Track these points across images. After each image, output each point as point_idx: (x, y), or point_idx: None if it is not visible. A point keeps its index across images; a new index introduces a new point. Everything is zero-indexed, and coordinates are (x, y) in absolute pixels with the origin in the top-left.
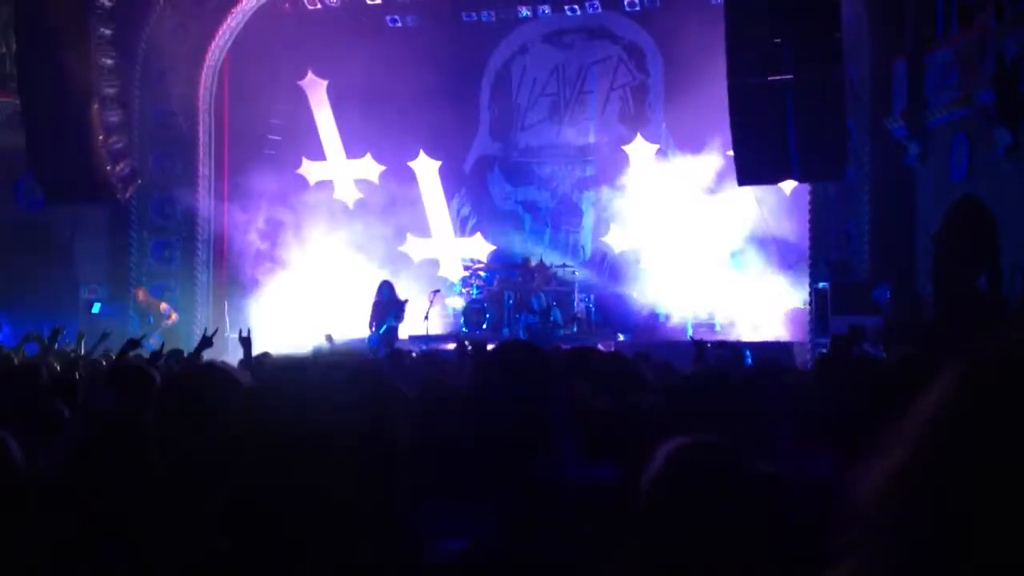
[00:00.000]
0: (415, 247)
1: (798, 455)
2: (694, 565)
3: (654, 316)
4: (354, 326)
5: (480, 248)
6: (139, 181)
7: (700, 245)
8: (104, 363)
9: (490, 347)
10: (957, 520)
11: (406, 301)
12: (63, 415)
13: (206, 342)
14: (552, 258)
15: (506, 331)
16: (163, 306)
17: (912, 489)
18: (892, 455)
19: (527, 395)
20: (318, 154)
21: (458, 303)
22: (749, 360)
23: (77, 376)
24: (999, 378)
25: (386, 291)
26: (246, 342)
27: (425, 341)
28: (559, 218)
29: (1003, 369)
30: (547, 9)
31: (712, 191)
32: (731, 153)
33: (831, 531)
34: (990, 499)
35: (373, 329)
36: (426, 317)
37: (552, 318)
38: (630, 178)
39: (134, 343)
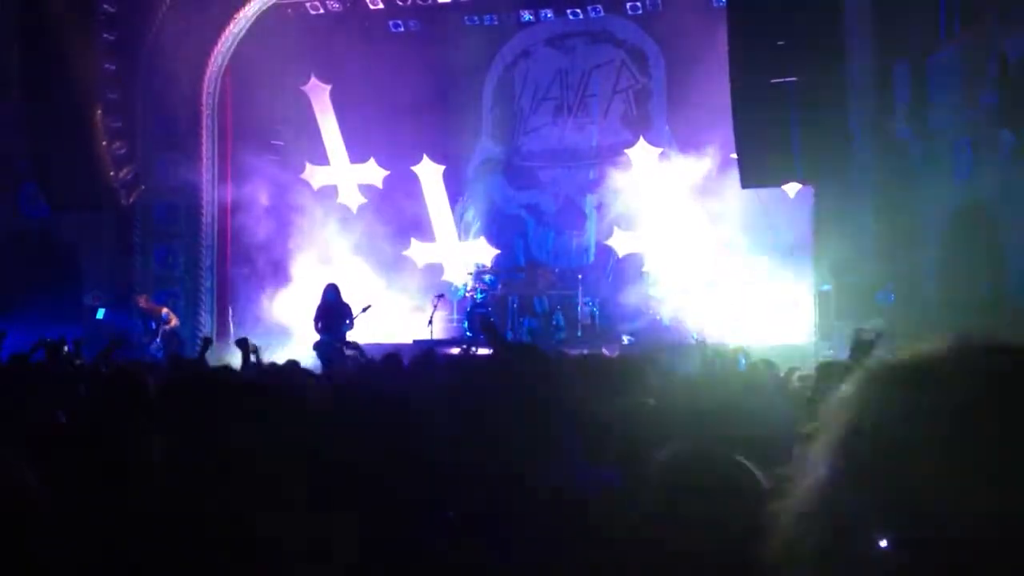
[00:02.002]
0: (419, 252)
1: (797, 459)
2: (685, 565)
3: (658, 320)
4: (356, 329)
5: (484, 252)
6: (142, 187)
7: (704, 248)
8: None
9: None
10: (860, 459)
11: (368, 307)
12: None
13: (207, 344)
14: (556, 262)
15: (510, 335)
16: (163, 311)
17: (836, 444)
18: (829, 426)
19: (532, 399)
20: (322, 159)
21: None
22: (743, 365)
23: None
24: (890, 376)
25: (331, 294)
26: (243, 345)
27: (428, 346)
28: (562, 222)
29: (892, 370)
30: (549, 13)
31: (715, 194)
32: (734, 156)
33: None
34: (879, 450)
35: (319, 333)
36: (430, 322)
37: (555, 322)
38: (633, 181)
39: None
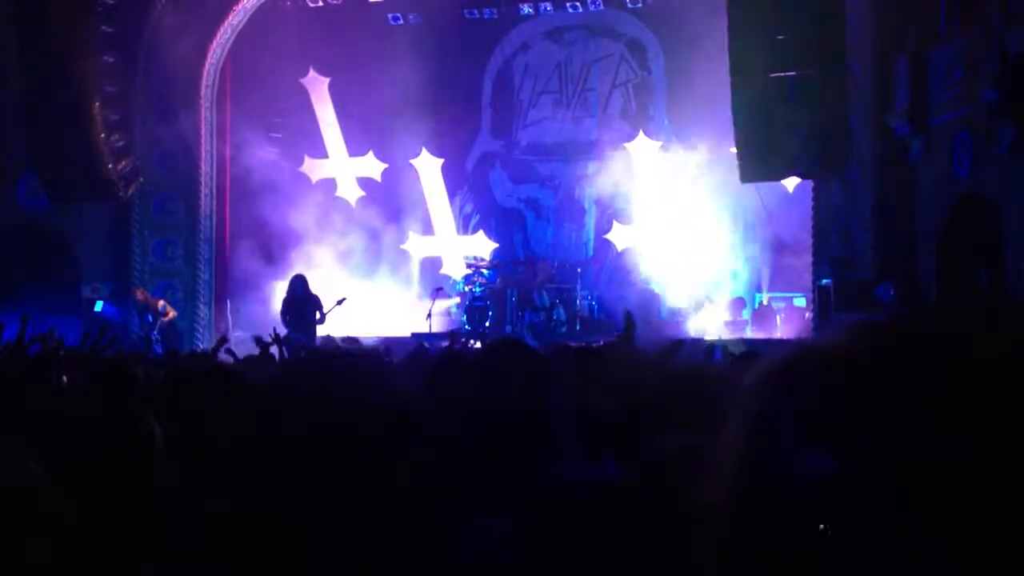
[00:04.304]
0: (417, 245)
1: (798, 455)
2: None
3: (657, 313)
4: (354, 325)
5: (482, 246)
6: (141, 179)
7: (703, 242)
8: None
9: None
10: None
11: (343, 300)
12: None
13: (223, 342)
14: (555, 256)
15: (508, 328)
16: (160, 303)
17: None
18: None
19: (524, 395)
20: (320, 152)
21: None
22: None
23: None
24: (793, 362)
25: (299, 287)
26: (261, 342)
27: (427, 339)
28: (561, 216)
29: (796, 358)
30: (549, 6)
31: (715, 188)
32: (734, 150)
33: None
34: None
35: (286, 327)
36: (428, 316)
37: (555, 316)
38: (632, 175)
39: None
